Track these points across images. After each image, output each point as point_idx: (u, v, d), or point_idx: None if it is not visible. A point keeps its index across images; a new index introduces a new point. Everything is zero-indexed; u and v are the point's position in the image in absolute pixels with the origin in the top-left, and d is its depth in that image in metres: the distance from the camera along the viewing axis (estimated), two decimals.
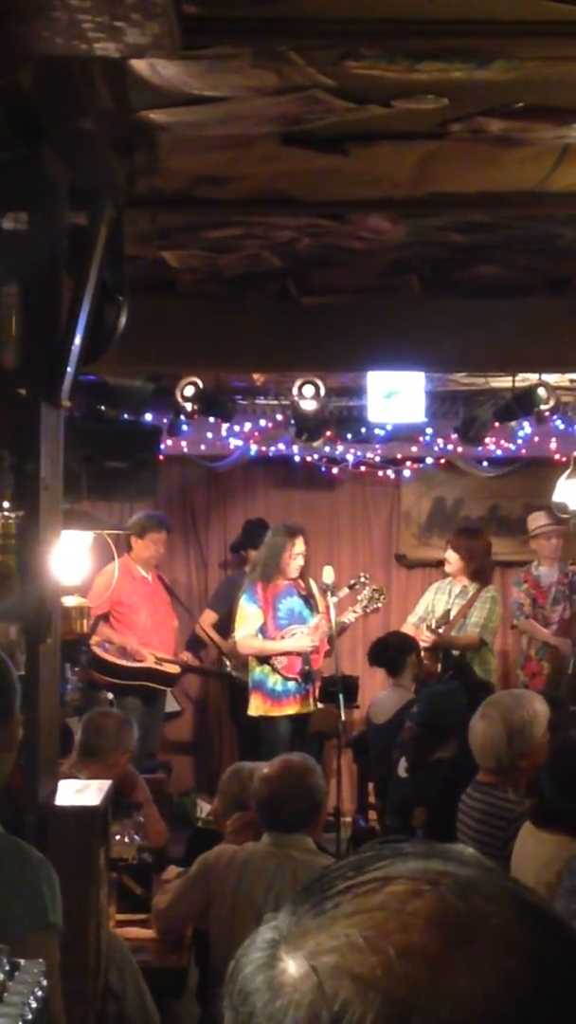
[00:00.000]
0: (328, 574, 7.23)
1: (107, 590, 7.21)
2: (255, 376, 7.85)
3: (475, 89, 3.33)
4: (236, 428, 8.61)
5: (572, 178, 4.16)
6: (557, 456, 8.51)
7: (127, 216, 3.99)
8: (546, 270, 5.69)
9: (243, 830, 4.25)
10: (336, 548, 9.33)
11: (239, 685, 7.81)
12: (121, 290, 3.81)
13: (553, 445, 8.60)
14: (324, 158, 3.92)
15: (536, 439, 8.61)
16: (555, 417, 8.11)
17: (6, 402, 3.24)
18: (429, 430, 8.60)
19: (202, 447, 8.70)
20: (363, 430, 8.29)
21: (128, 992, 3.66)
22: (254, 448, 8.80)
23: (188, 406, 7.41)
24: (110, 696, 7.20)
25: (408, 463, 9.15)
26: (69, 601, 5.20)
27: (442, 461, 9.09)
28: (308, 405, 7.48)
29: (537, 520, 8.36)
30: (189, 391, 7.36)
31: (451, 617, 7.82)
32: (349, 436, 8.46)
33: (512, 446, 8.72)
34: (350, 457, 9.02)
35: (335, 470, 9.20)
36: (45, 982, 1.81)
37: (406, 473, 9.23)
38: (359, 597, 7.58)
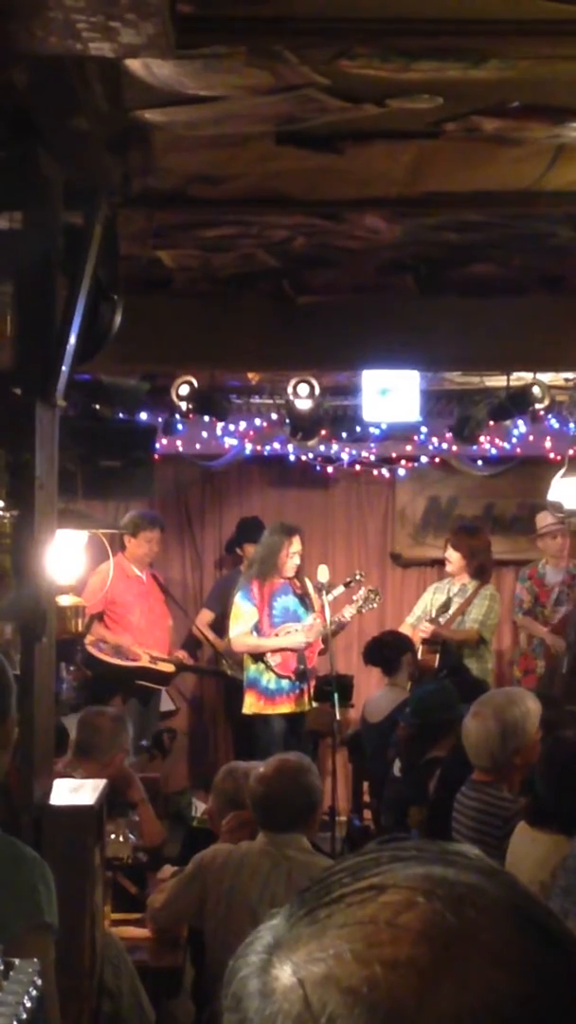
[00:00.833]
0: (323, 573, 7.24)
1: (102, 589, 7.19)
2: (250, 375, 7.85)
3: (470, 88, 3.33)
4: (231, 427, 8.61)
5: (567, 177, 4.17)
6: (552, 455, 8.53)
7: (122, 215, 4.00)
8: (541, 269, 5.69)
9: (238, 829, 4.25)
10: (331, 547, 9.33)
11: (235, 684, 7.81)
12: (116, 289, 3.81)
13: (548, 444, 8.61)
14: (319, 157, 3.91)
15: (531, 438, 8.62)
16: (550, 416, 8.13)
17: (1, 401, 3.24)
18: (424, 429, 8.60)
19: (197, 446, 8.70)
20: (358, 429, 8.28)
21: (123, 991, 3.67)
22: (249, 447, 8.79)
23: (183, 405, 7.41)
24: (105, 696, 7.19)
25: (403, 462, 9.15)
26: (64, 600, 5.18)
27: (437, 460, 9.10)
28: (303, 404, 7.48)
29: (545, 519, 8.37)
30: (184, 390, 7.36)
31: (451, 610, 7.81)
32: (344, 435, 8.45)
33: (507, 445, 8.73)
34: (345, 456, 9.02)
35: (330, 469, 9.20)
36: (40, 981, 1.81)
37: (401, 472, 9.23)
38: (355, 596, 7.58)
